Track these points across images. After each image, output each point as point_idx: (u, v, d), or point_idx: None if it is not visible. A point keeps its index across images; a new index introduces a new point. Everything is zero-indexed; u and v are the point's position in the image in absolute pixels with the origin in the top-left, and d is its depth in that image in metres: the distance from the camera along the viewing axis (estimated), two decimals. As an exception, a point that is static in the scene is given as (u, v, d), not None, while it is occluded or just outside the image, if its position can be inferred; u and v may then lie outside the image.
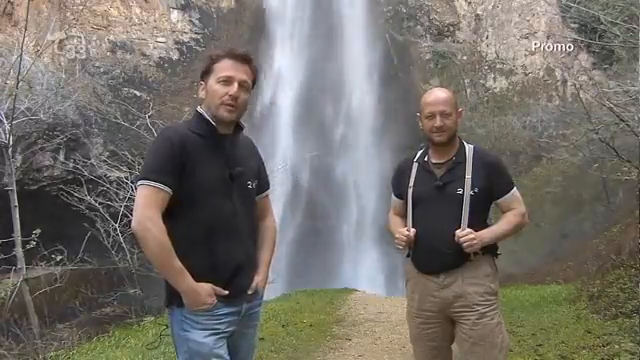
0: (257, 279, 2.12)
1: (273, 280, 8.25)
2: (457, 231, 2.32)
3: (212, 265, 1.98)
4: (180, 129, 2.03)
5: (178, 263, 1.89)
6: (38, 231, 7.87)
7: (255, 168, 2.19)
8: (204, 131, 2.03)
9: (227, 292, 1.99)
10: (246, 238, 2.10)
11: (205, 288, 1.94)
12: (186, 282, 1.91)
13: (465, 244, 2.30)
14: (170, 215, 1.92)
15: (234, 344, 2.10)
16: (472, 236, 2.30)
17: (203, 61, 2.12)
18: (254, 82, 2.13)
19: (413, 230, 2.43)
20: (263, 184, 2.25)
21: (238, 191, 2.06)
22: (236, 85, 2.02)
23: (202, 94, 2.08)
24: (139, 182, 1.92)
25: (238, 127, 2.13)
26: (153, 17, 18.58)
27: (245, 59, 2.07)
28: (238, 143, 2.13)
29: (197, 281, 1.93)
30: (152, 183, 1.89)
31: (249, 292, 2.08)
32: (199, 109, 2.08)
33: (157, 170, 1.91)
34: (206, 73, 2.07)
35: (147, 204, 1.88)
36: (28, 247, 7.74)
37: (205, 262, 1.97)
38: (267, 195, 2.29)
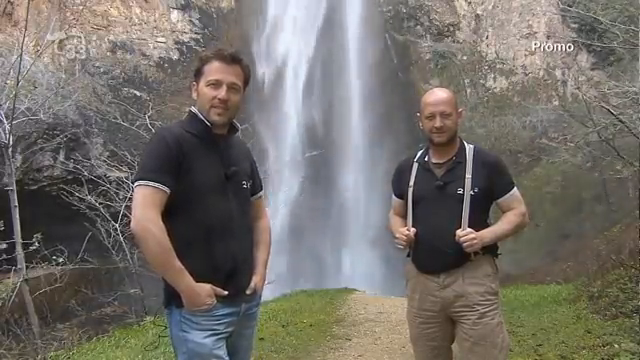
0: (255, 279, 2.12)
1: (273, 281, 8.25)
2: (458, 231, 2.32)
3: (210, 265, 1.98)
4: (175, 129, 2.03)
5: (178, 263, 1.88)
6: (39, 235, 7.86)
7: (248, 169, 2.20)
8: (199, 131, 2.03)
9: (226, 292, 1.98)
10: (243, 238, 2.10)
11: (205, 288, 1.94)
12: (186, 282, 1.90)
13: (465, 244, 2.30)
14: (167, 215, 1.91)
15: (233, 344, 2.09)
16: (472, 236, 2.30)
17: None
18: (247, 81, 2.13)
19: (413, 230, 2.43)
20: (256, 185, 2.26)
21: (234, 191, 2.07)
22: (225, 88, 2.02)
23: (194, 95, 2.09)
24: (137, 182, 1.91)
25: (233, 128, 2.14)
26: (153, 17, 18.59)
27: (234, 59, 2.06)
28: (232, 143, 2.14)
29: (196, 281, 1.93)
30: (150, 183, 1.89)
31: (247, 292, 2.08)
32: (193, 109, 2.08)
33: (155, 170, 1.90)
34: (197, 74, 2.07)
35: (146, 204, 1.87)
36: (31, 249, 7.73)
37: (203, 262, 1.97)
38: (260, 196, 2.30)
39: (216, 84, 2.01)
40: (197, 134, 2.02)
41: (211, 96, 2.01)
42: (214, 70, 2.02)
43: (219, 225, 2.00)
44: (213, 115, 2.02)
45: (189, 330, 1.96)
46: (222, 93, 2.01)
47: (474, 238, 2.29)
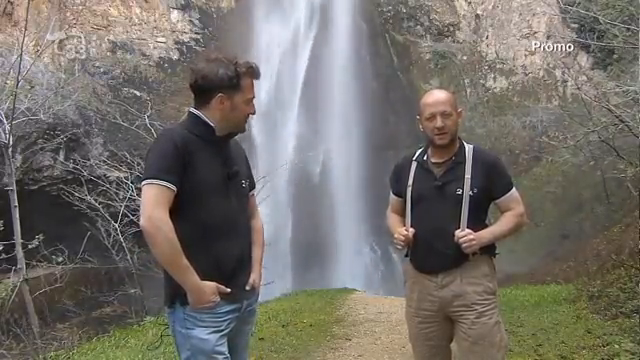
0: (253, 276, 2.18)
1: (273, 281, 8.26)
2: (456, 231, 2.32)
3: (214, 263, 2.03)
4: (180, 130, 2.07)
5: (186, 261, 1.92)
6: (41, 236, 7.87)
7: (245, 169, 2.26)
8: (203, 133, 2.07)
9: (229, 290, 2.03)
10: (244, 236, 2.16)
11: (210, 286, 1.98)
12: (193, 280, 1.95)
13: (464, 245, 2.30)
14: (171, 214, 1.94)
15: (232, 341, 2.14)
16: (472, 237, 2.29)
17: (223, 69, 2.03)
18: None
19: (412, 230, 2.42)
20: (251, 184, 2.33)
21: (235, 190, 2.13)
22: (254, 103, 2.16)
23: (222, 107, 2.07)
24: (146, 181, 1.94)
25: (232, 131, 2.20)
26: (153, 17, 18.59)
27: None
28: (230, 145, 2.19)
29: (200, 279, 1.97)
30: (160, 182, 1.92)
31: (247, 288, 2.13)
32: (195, 111, 2.10)
33: (163, 169, 1.94)
34: (232, 88, 2.05)
35: (156, 203, 1.91)
36: (30, 247, 7.73)
37: (207, 260, 2.01)
38: (253, 194, 2.36)
39: (250, 100, 2.13)
40: (201, 136, 2.06)
41: (247, 112, 2.13)
42: (251, 88, 2.12)
43: (222, 224, 2.05)
44: (244, 125, 2.16)
45: (193, 327, 2.01)
46: (255, 108, 2.15)
47: (473, 239, 2.29)
